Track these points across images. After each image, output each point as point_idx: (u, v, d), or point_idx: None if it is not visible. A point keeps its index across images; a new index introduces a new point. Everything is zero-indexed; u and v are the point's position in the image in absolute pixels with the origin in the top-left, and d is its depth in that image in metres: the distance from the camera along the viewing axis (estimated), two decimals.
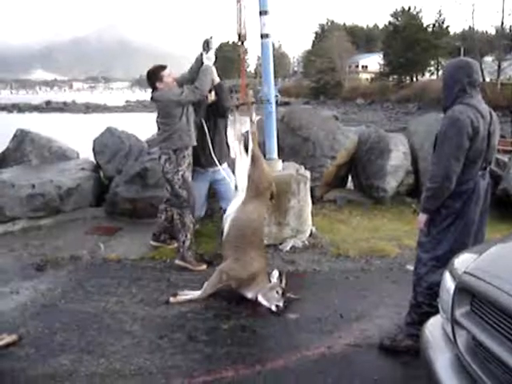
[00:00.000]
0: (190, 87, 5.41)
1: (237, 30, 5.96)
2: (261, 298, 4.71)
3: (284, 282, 4.87)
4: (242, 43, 6.14)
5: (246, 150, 5.42)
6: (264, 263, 5.06)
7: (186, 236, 5.64)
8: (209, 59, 5.53)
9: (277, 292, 4.71)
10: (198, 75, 5.47)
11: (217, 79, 5.75)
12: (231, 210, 5.14)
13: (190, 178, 5.66)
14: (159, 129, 5.66)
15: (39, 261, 5.84)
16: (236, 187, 5.44)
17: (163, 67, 5.61)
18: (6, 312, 4.60)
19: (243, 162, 5.38)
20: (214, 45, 5.64)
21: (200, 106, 5.82)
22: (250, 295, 4.80)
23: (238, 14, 5.91)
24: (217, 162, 5.97)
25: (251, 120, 5.70)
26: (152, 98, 5.60)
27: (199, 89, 5.41)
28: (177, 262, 5.73)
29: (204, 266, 5.68)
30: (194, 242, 5.79)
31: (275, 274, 4.98)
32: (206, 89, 5.49)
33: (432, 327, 2.74)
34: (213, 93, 5.81)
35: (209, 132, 5.89)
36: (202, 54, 5.60)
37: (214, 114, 5.96)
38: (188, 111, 5.53)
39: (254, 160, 5.29)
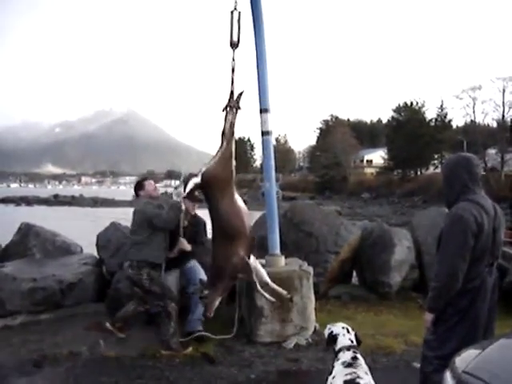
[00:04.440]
0: (164, 215, 5.94)
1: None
2: None
3: None
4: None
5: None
6: None
7: (171, 324, 5.86)
8: (177, 195, 6.10)
9: None
10: (168, 209, 6.05)
11: (187, 247, 6.50)
12: None
13: (155, 275, 5.99)
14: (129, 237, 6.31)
15: (37, 356, 5.72)
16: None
17: (145, 179, 6.56)
18: None
19: None
20: (183, 179, 6.13)
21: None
22: None
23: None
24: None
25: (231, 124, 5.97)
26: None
27: (167, 221, 5.94)
28: (163, 352, 5.80)
29: (190, 349, 5.88)
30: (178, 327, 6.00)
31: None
32: (172, 222, 6.03)
33: None
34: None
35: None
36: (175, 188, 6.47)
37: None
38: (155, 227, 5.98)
39: None
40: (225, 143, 5.76)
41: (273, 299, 5.93)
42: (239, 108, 6.10)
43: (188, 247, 6.48)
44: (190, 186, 5.83)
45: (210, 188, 5.77)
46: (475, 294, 3.58)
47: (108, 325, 6.24)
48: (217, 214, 5.82)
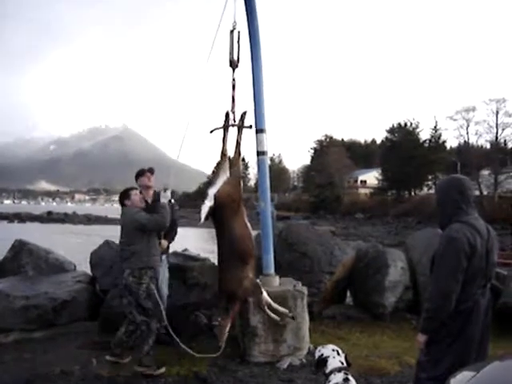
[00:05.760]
0: (156, 218, 5.84)
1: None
2: None
3: None
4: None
5: None
6: None
7: (149, 342, 5.73)
8: (165, 197, 6.04)
9: None
10: (159, 211, 5.92)
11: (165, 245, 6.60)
12: None
13: (154, 290, 5.87)
14: (121, 248, 6.06)
15: (29, 375, 5.64)
16: None
17: (132, 188, 6.33)
18: None
19: None
20: (169, 192, 6.17)
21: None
22: None
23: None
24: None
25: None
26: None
27: (161, 221, 5.86)
28: (136, 368, 5.72)
29: (163, 370, 5.71)
30: (155, 347, 5.86)
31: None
32: (166, 221, 5.91)
33: None
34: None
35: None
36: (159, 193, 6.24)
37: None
38: (149, 233, 5.91)
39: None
40: (234, 163, 5.84)
41: (278, 318, 5.92)
42: (244, 127, 6.17)
43: (165, 244, 6.58)
44: (205, 210, 5.80)
45: (222, 210, 5.74)
46: (468, 316, 3.57)
47: (108, 357, 6.00)
48: (230, 237, 5.77)
